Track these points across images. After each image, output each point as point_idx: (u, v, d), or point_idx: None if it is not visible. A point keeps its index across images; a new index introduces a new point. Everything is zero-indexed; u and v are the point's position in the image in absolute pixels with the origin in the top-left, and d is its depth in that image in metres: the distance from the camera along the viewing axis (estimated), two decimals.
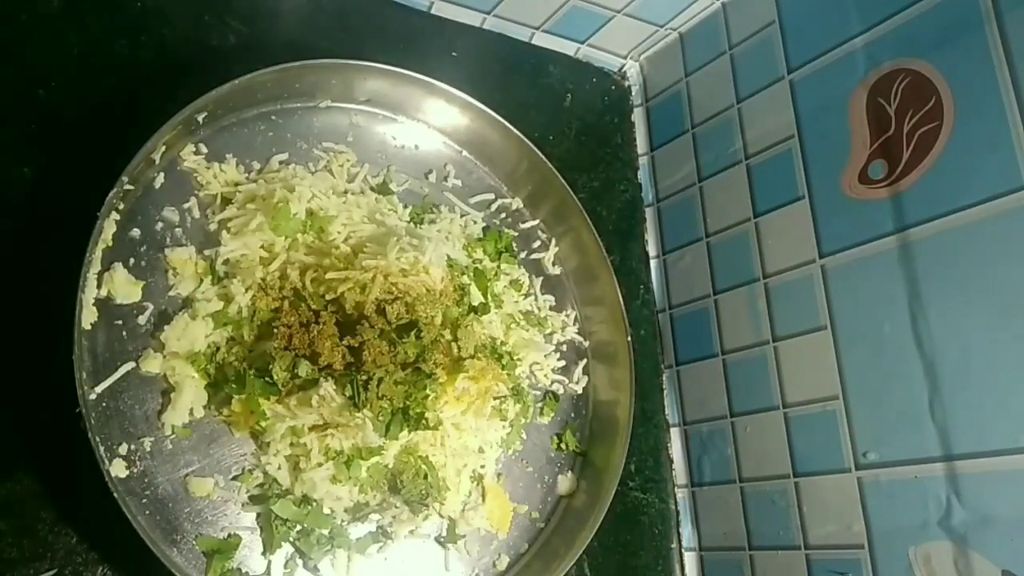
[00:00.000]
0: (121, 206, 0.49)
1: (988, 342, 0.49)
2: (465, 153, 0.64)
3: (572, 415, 0.64)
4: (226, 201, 0.53)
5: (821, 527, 0.57)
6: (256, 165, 0.55)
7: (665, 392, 0.72)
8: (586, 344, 0.66)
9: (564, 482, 0.61)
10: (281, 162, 0.56)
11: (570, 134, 0.75)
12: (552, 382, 0.64)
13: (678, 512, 0.69)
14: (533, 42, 0.76)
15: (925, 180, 0.53)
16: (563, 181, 0.64)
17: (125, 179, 0.47)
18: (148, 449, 0.47)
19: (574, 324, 0.66)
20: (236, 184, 0.53)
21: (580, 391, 0.65)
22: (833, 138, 0.59)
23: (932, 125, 0.53)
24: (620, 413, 0.62)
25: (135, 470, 0.46)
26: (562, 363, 0.64)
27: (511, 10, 0.72)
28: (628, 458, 0.67)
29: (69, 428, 0.43)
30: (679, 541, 0.68)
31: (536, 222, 0.67)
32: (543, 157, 0.63)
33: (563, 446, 0.62)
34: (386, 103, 0.61)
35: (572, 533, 0.57)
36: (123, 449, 0.46)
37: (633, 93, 0.81)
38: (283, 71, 0.54)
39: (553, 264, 0.67)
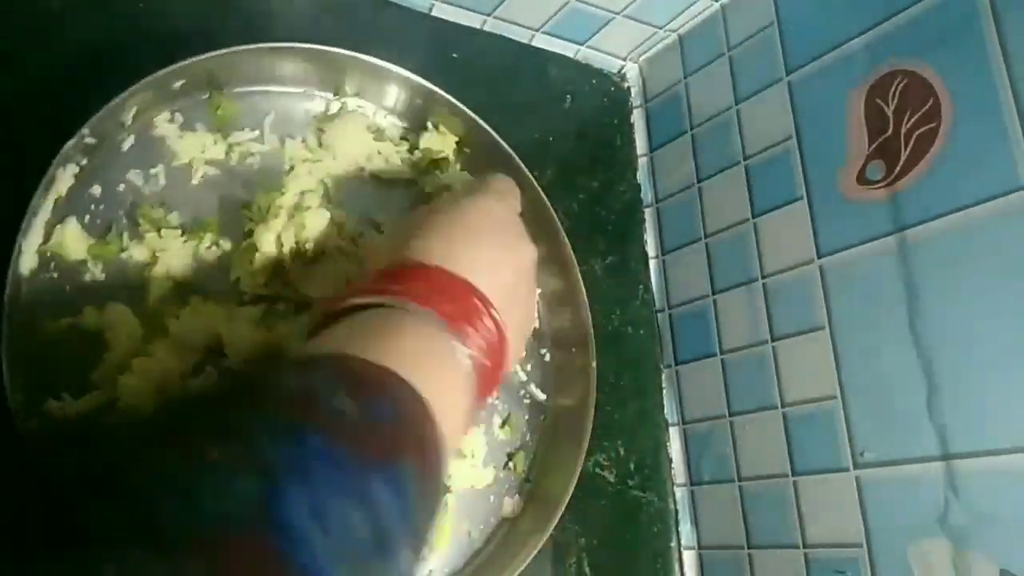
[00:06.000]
0: (84, 162, 0.48)
1: (986, 342, 0.49)
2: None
3: (528, 436, 0.61)
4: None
5: (819, 526, 0.57)
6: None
7: (664, 391, 0.72)
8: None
9: (509, 504, 0.59)
10: (251, 140, 0.55)
11: (569, 135, 0.75)
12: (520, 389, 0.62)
13: (677, 511, 0.69)
14: (533, 44, 0.76)
15: (923, 181, 0.53)
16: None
17: (86, 131, 0.46)
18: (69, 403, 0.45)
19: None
20: (203, 149, 0.53)
21: (542, 406, 0.63)
22: (831, 139, 0.60)
23: (930, 126, 0.53)
24: (578, 440, 0.59)
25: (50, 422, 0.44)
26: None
27: (511, 12, 0.72)
28: (627, 457, 0.67)
29: None
30: (678, 539, 0.68)
31: None
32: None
33: (511, 466, 0.60)
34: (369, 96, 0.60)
35: (511, 557, 0.55)
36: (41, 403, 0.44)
37: (632, 94, 0.81)
38: (268, 50, 0.54)
39: None
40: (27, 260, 0.45)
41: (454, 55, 0.69)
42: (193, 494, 0.26)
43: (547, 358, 0.64)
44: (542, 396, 0.63)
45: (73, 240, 0.47)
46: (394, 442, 0.32)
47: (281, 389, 0.32)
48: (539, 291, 0.64)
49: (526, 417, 0.62)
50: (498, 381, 0.43)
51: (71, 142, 0.45)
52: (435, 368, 0.38)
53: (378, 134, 0.60)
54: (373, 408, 0.32)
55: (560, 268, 0.63)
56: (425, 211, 0.48)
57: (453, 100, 0.60)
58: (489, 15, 0.73)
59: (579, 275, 0.62)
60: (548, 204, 0.62)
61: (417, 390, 0.34)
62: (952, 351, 0.50)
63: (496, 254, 0.45)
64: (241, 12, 0.60)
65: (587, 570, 0.62)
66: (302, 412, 0.30)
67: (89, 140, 0.47)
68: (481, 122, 0.61)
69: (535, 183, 0.61)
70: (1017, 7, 0.49)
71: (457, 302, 0.40)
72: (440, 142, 0.61)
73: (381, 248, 0.51)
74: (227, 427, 0.29)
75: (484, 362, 0.41)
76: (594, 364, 0.60)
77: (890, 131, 0.56)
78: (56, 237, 0.47)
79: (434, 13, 0.71)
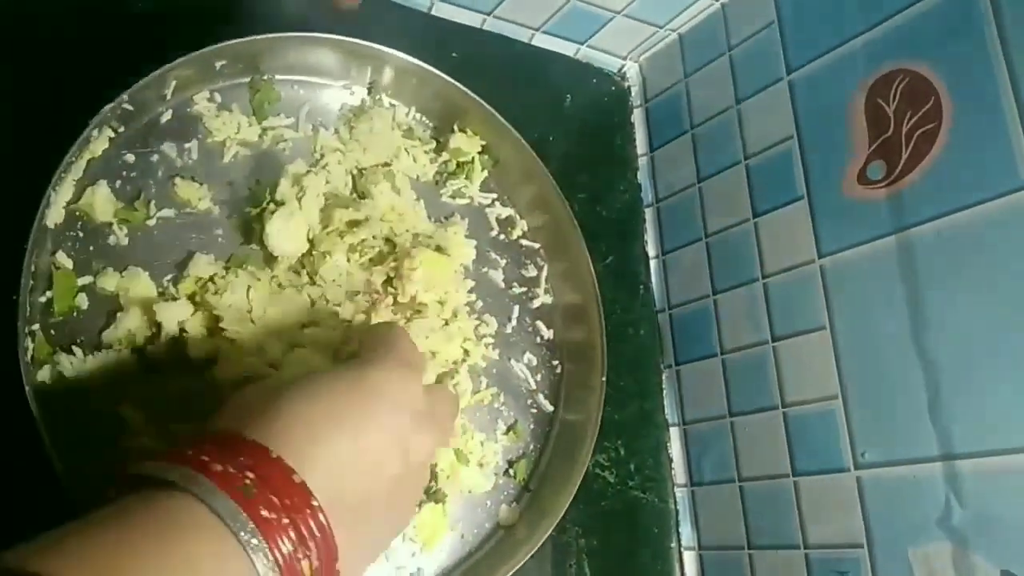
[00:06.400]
0: (121, 128, 0.50)
1: (987, 342, 0.48)
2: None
3: (531, 445, 0.61)
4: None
5: (820, 527, 0.57)
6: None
7: (664, 392, 0.72)
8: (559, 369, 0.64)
9: (506, 511, 0.58)
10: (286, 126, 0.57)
11: (570, 135, 0.75)
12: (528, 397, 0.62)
13: (677, 511, 0.69)
14: (533, 43, 0.76)
15: (924, 180, 0.53)
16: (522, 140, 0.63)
17: (125, 97, 0.47)
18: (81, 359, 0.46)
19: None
20: (237, 129, 0.54)
21: (549, 417, 0.63)
22: (832, 139, 0.59)
23: (931, 126, 0.53)
24: (579, 455, 0.58)
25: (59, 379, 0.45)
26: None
27: (511, 11, 0.72)
28: (628, 457, 0.67)
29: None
30: (678, 540, 0.68)
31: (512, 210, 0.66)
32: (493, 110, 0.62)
33: (512, 473, 0.60)
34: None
35: (501, 563, 0.54)
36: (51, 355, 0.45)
37: (633, 94, 0.81)
38: (311, 40, 0.55)
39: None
40: (54, 214, 0.47)
41: (454, 54, 0.69)
42: None
43: (558, 370, 0.64)
44: (550, 408, 0.63)
45: (102, 202, 0.49)
46: None
47: None
48: (549, 334, 0.64)
49: (531, 426, 0.62)
50: None
51: (109, 106, 0.47)
52: None
53: (407, 132, 0.62)
54: None
55: (579, 283, 0.64)
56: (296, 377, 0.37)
57: (483, 103, 0.61)
58: (489, 14, 0.72)
59: (598, 292, 0.62)
60: (575, 221, 0.63)
61: None
62: (953, 351, 0.50)
63: (376, 446, 0.35)
64: (241, 5, 0.60)
65: (587, 571, 0.62)
66: None
67: (127, 107, 0.49)
68: (513, 129, 0.62)
69: (565, 202, 0.63)
70: (1017, 6, 0.49)
71: (286, 512, 0.30)
72: (467, 143, 0.62)
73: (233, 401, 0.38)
74: None
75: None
76: (603, 379, 0.60)
77: (891, 131, 0.55)
78: (86, 197, 0.49)
79: (434, 12, 0.71)
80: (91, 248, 0.49)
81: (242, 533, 0.29)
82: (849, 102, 0.58)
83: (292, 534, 0.30)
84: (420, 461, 0.38)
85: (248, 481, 0.30)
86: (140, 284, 0.49)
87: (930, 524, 0.50)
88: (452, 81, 0.60)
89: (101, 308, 0.48)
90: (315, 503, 0.31)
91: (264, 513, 0.29)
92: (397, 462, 0.36)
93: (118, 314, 0.48)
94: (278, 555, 0.29)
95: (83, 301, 0.47)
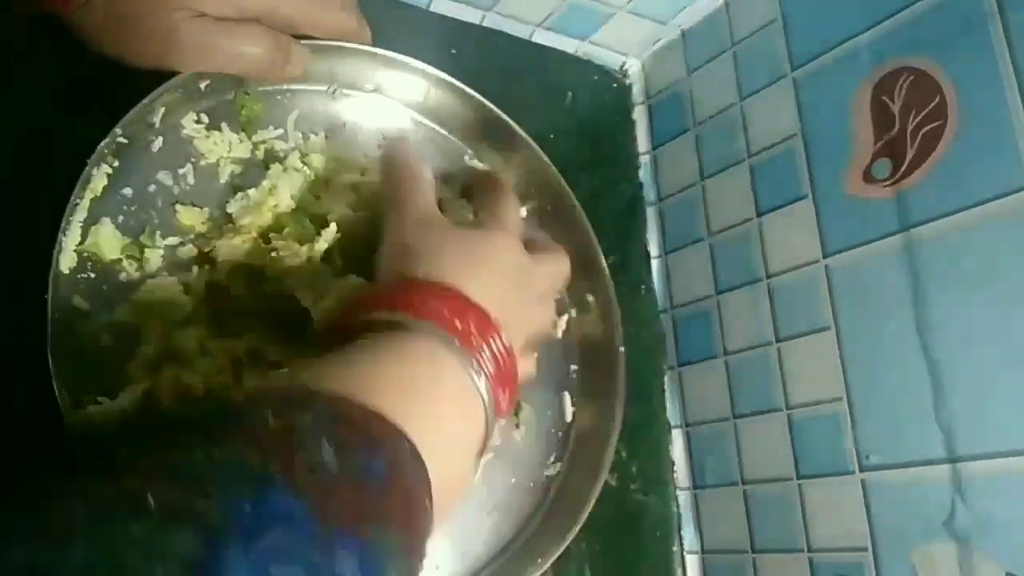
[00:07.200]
0: (116, 163, 0.49)
1: (993, 342, 0.48)
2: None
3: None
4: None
5: (824, 529, 0.57)
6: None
7: (667, 393, 0.72)
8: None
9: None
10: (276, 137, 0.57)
11: (570, 132, 0.74)
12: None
13: (680, 514, 0.68)
14: (533, 39, 0.76)
15: (929, 179, 0.53)
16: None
17: (119, 131, 0.47)
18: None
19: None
20: (229, 148, 0.54)
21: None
22: (836, 136, 0.59)
23: (936, 124, 0.52)
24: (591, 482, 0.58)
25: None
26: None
27: (511, 7, 0.72)
28: (629, 460, 0.67)
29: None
30: (681, 544, 0.68)
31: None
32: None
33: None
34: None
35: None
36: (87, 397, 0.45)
37: (634, 91, 0.80)
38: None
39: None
40: (66, 259, 0.47)
41: (453, 51, 0.69)
42: (115, 552, 0.22)
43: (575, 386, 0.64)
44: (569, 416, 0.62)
45: (108, 240, 0.49)
46: (377, 508, 0.28)
47: (256, 424, 0.28)
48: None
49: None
50: (510, 407, 0.42)
51: (104, 141, 0.47)
52: (447, 408, 0.36)
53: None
54: (361, 465, 0.28)
55: (601, 317, 0.64)
56: (442, 226, 0.46)
57: (484, 100, 0.61)
58: (489, 10, 0.72)
59: (620, 325, 0.62)
60: (595, 239, 0.63)
61: (416, 446, 0.31)
62: (959, 352, 0.50)
63: (514, 295, 0.44)
64: None
65: (588, 574, 0.61)
66: (274, 458, 0.26)
67: (121, 140, 0.49)
68: (526, 135, 0.62)
69: (587, 225, 0.63)
70: (1023, 4, 0.48)
71: (472, 322, 0.38)
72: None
73: (386, 258, 0.48)
74: (176, 465, 0.26)
75: (499, 389, 0.39)
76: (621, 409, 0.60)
77: (896, 128, 0.55)
78: (92, 237, 0.48)
79: (432, 8, 0.71)
80: (103, 287, 0.48)
81: (462, 363, 0.38)
82: (854, 100, 0.58)
83: (492, 360, 0.39)
84: (543, 289, 0.48)
85: (451, 316, 0.38)
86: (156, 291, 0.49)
87: (935, 526, 0.50)
88: (451, 80, 0.60)
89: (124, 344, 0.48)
90: (503, 335, 0.40)
91: (472, 346, 0.38)
92: (524, 287, 0.45)
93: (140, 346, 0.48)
94: (488, 377, 0.39)
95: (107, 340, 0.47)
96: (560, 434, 0.61)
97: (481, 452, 0.40)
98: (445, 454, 0.34)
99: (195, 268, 0.51)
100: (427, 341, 0.37)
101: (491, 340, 0.39)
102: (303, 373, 0.34)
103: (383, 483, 0.28)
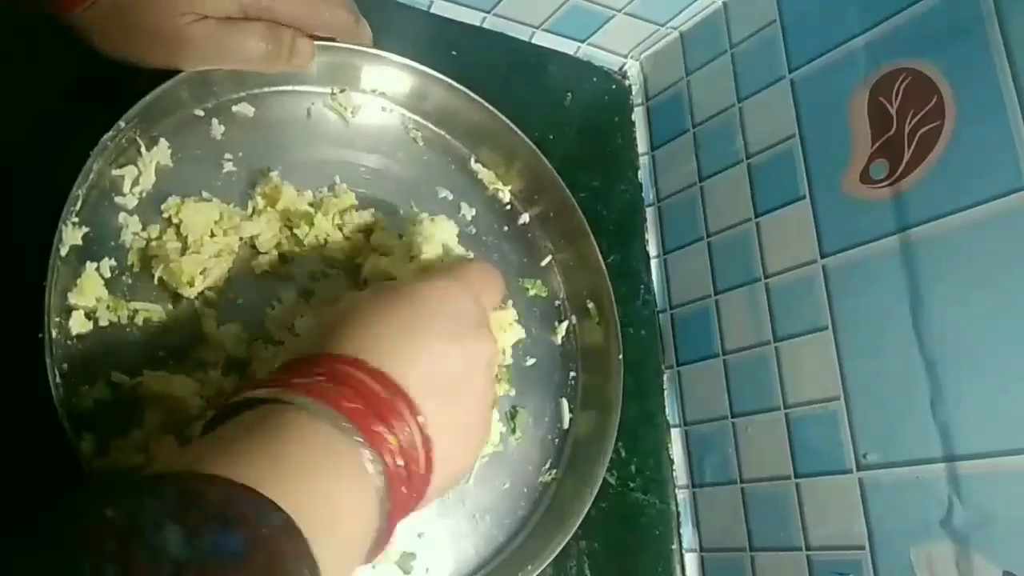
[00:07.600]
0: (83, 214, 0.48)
1: (990, 342, 0.48)
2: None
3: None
4: None
5: (822, 528, 0.57)
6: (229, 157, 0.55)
7: (666, 393, 0.72)
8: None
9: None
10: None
11: (570, 133, 0.74)
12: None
13: (679, 513, 0.68)
14: (533, 41, 0.76)
15: (927, 180, 0.53)
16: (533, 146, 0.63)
17: (123, 124, 0.47)
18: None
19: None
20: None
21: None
22: (834, 138, 0.59)
23: (933, 125, 0.53)
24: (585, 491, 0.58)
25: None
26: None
27: (511, 9, 0.72)
28: (628, 459, 0.67)
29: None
30: (680, 542, 0.68)
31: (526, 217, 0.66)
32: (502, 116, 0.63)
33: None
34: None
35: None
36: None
37: (633, 92, 0.81)
38: None
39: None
40: (77, 321, 0.45)
41: (453, 52, 0.69)
42: None
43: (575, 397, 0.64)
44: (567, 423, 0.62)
45: (92, 287, 0.46)
46: None
47: (92, 522, 0.26)
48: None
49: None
50: (422, 496, 0.37)
51: (108, 134, 0.46)
52: (330, 485, 0.32)
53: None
54: (215, 544, 0.26)
55: (601, 324, 0.64)
56: (358, 295, 0.42)
57: (484, 102, 0.62)
58: (489, 12, 0.72)
59: (619, 335, 0.62)
60: (594, 241, 0.63)
61: (292, 518, 0.29)
62: (956, 352, 0.50)
63: (437, 345, 0.39)
64: None
65: (587, 573, 0.61)
66: (108, 559, 0.24)
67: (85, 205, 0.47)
68: (526, 138, 0.63)
69: (587, 226, 0.63)
70: (1020, 5, 0.48)
71: (371, 400, 0.35)
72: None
73: (302, 337, 0.45)
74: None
75: (401, 472, 0.35)
76: (617, 419, 0.60)
77: (894, 129, 0.55)
78: (77, 288, 0.46)
79: (433, 10, 0.71)
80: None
81: (352, 442, 0.34)
82: (851, 101, 0.58)
83: (394, 442, 0.35)
84: (482, 363, 0.42)
85: (349, 392, 0.35)
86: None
87: (932, 525, 0.50)
88: (452, 82, 0.60)
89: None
90: (418, 414, 0.36)
91: (370, 425, 0.34)
92: (460, 360, 0.40)
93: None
94: (385, 459, 0.35)
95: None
96: (557, 441, 0.61)
97: (380, 540, 0.36)
98: (330, 530, 0.31)
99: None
100: (311, 419, 0.33)
101: (400, 421, 0.35)
102: (186, 455, 0.33)
103: (240, 560, 0.26)
